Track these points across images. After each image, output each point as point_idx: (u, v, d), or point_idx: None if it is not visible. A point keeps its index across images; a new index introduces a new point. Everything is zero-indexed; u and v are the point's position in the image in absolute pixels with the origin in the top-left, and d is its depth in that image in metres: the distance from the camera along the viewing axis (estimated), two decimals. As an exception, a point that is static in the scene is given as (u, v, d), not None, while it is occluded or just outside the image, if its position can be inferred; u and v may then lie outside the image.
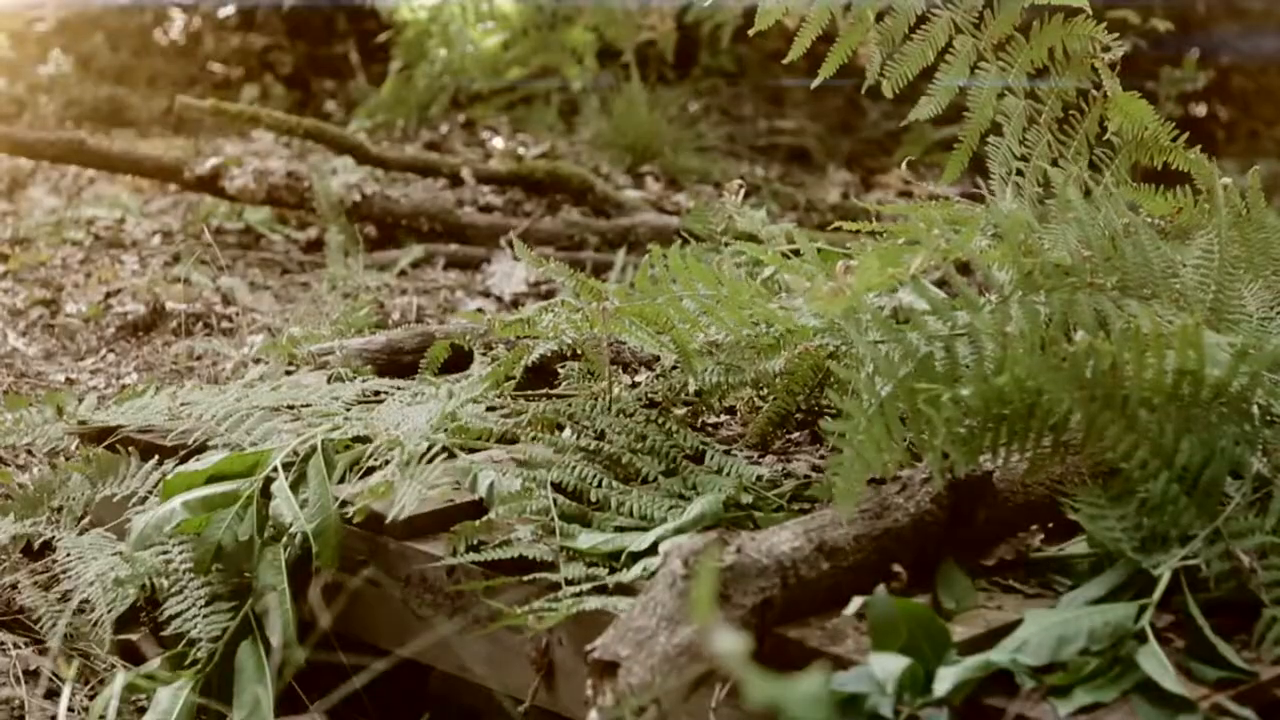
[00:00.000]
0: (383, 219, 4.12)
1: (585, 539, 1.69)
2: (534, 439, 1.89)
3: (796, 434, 2.04)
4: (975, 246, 1.66)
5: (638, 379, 2.21)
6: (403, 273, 3.84)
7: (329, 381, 2.28)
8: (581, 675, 1.55)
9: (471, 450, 1.90)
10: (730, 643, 0.97)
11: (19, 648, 2.03)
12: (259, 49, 6.51)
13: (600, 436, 1.89)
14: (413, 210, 4.15)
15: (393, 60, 5.95)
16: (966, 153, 2.04)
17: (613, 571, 1.63)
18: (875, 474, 1.49)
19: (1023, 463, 1.57)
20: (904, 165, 2.14)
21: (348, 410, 2.06)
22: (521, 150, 5.11)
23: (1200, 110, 6.02)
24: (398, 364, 2.40)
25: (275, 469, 1.86)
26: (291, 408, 2.10)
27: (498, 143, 5.42)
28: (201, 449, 2.03)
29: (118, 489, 2.08)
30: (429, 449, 1.82)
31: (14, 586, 2.15)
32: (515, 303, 3.76)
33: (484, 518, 1.74)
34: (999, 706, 1.33)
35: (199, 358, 3.06)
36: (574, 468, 1.80)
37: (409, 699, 2.01)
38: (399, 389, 2.17)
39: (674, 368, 2.06)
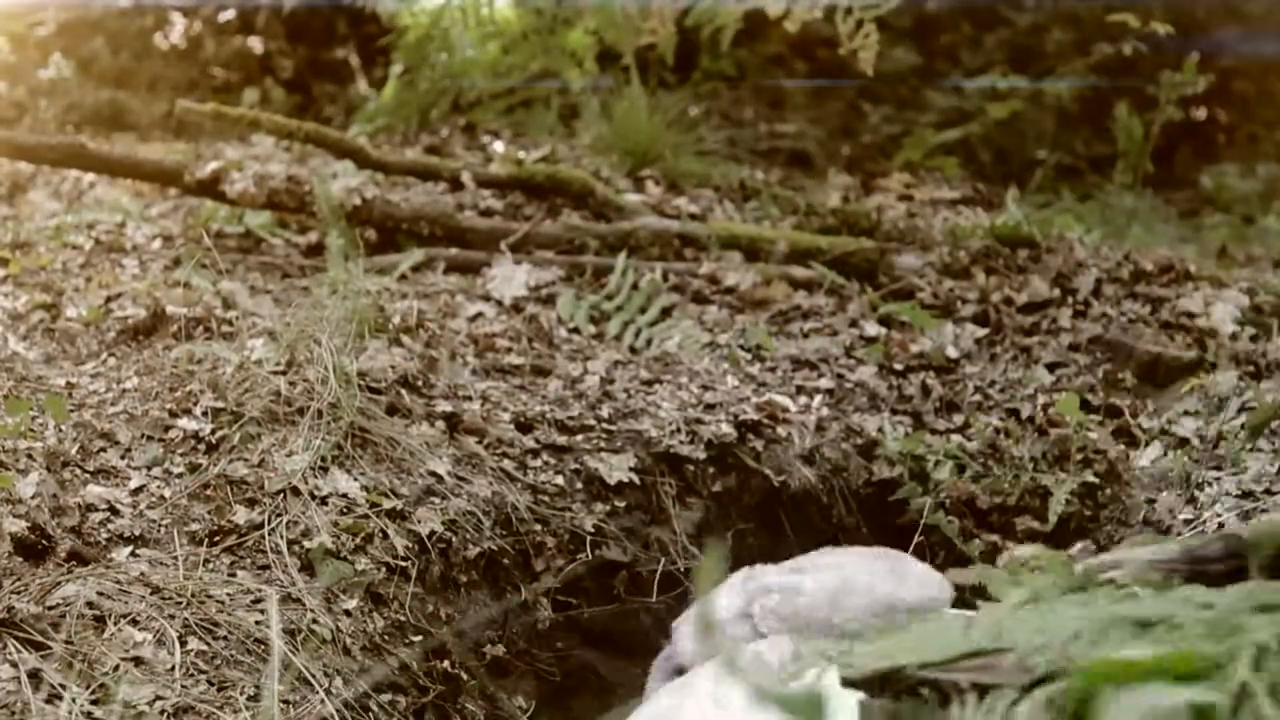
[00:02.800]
0: (383, 223, 4.13)
1: None
2: None
3: None
4: None
5: None
6: (403, 276, 3.84)
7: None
8: None
9: None
10: (730, 648, 0.97)
11: (20, 650, 2.03)
12: (259, 53, 6.52)
13: None
14: (413, 214, 4.15)
15: (393, 64, 5.95)
16: None
17: None
18: None
19: None
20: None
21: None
22: (522, 154, 5.11)
23: (1200, 113, 6.03)
24: (1203, 575, 1.90)
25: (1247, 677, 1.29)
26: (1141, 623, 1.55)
27: (498, 146, 5.42)
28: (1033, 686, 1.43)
29: None
30: None
31: (16, 592, 2.15)
32: (516, 306, 3.77)
33: None
34: None
35: (198, 362, 3.06)
36: None
37: None
38: None
39: None
